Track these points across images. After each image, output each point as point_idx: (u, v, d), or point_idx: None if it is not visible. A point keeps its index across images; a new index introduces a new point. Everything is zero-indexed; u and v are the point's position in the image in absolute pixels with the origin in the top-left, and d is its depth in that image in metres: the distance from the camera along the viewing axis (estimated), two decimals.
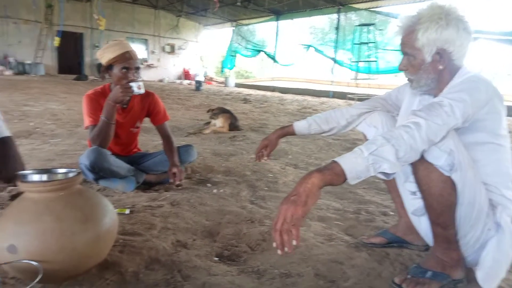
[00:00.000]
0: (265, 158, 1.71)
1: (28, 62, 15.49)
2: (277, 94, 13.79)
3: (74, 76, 14.75)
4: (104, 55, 2.09)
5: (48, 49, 16.05)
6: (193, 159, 2.47)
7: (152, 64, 19.37)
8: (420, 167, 1.10)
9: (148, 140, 3.59)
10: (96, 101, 2.14)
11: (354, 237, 1.66)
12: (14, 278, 1.14)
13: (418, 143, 1.00)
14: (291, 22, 16.30)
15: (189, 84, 17.18)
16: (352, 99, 10.83)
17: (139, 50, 18.15)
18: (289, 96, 12.54)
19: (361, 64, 12.81)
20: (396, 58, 11.35)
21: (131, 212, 1.78)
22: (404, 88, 1.47)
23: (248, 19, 17.64)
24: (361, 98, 9.03)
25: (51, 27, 15.86)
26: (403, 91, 1.49)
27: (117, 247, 1.37)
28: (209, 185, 2.36)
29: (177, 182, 2.19)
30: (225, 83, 18.09)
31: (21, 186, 1.11)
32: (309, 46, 15.01)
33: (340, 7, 13.21)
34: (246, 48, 18.25)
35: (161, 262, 1.33)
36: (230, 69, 19.26)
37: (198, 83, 13.24)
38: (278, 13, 15.60)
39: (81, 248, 1.05)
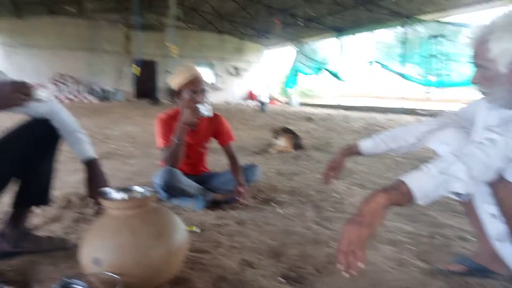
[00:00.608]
0: (332, 180, 1.68)
1: (110, 89, 17.14)
2: (341, 111, 13.55)
3: (149, 100, 15.97)
4: (174, 81, 2.25)
5: (127, 77, 17.65)
6: (258, 178, 2.52)
7: (218, 87, 20.25)
8: (501, 187, 1.02)
9: (215, 160, 3.73)
10: (168, 124, 2.30)
11: (428, 263, 1.55)
12: None
13: (493, 161, 0.93)
14: (354, 37, 16.03)
15: (253, 105, 17.61)
16: (423, 115, 10.26)
17: (206, 73, 19.11)
18: (354, 114, 12.26)
19: (431, 78, 12.12)
20: (470, 70, 10.58)
21: (202, 230, 1.86)
22: (479, 102, 1.37)
23: (309, 37, 17.73)
24: (433, 114, 8.51)
25: (129, 56, 17.44)
26: (477, 105, 1.39)
27: (188, 263, 1.43)
28: (273, 204, 2.37)
29: (243, 201, 2.24)
30: (288, 103, 18.23)
31: (104, 203, 1.23)
32: (374, 61, 14.61)
33: (406, 19, 12.74)
34: (308, 66, 18.29)
35: (228, 280, 1.36)
36: (292, 88, 19.39)
37: (262, 103, 13.52)
38: (339, 30, 15.47)
39: (155, 263, 1.12)
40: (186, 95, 2.22)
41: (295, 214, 2.17)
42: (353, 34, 15.52)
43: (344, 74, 16.13)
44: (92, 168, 1.49)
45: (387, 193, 0.93)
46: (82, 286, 1.08)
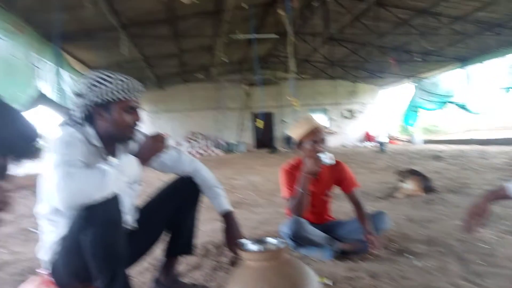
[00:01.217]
0: (477, 229, 1.48)
1: (233, 141, 18.72)
2: (475, 147, 12.00)
3: (267, 150, 16.80)
4: (295, 132, 2.34)
5: (247, 129, 19.08)
6: (387, 226, 2.37)
7: (333, 131, 20.19)
8: None
9: (338, 207, 3.65)
10: (292, 174, 2.38)
11: None
12: None
13: None
14: (482, 65, 14.37)
15: (371, 146, 16.94)
16: None
17: (320, 119, 19.34)
18: (492, 148, 10.72)
19: None
20: None
21: (334, 283, 1.81)
22: None
23: (428, 71, 16.60)
24: None
25: (248, 110, 18.93)
26: None
27: None
28: (408, 256, 2.18)
29: (374, 251, 2.12)
30: (410, 141, 17.01)
31: (241, 254, 1.31)
32: (509, 88, 12.77)
33: None
34: (430, 101, 16.95)
35: None
36: (412, 125, 18.09)
37: (381, 144, 12.92)
38: (464, 60, 14.13)
39: None
40: (307, 145, 2.28)
41: (436, 268, 1.94)
42: (481, 62, 13.97)
43: (474, 106, 14.43)
44: (229, 220, 1.62)
45: None
46: None
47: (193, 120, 19.34)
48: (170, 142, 1.58)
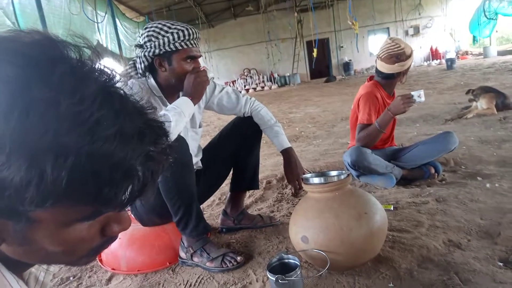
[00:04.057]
0: None
1: (287, 74, 18.27)
2: None
3: (324, 79, 16.25)
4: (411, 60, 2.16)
5: (301, 59, 18.39)
6: (453, 146, 2.22)
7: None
8: None
9: (402, 133, 3.54)
10: (376, 97, 2.21)
11: None
12: (306, 262, 1.40)
13: None
14: None
15: (438, 64, 15.59)
16: None
17: (381, 40, 17.96)
18: None
19: None
20: None
21: (395, 208, 1.82)
22: None
23: None
24: None
25: (301, 39, 18.06)
26: None
27: (387, 242, 1.44)
28: (479, 178, 2.09)
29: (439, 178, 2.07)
30: (483, 54, 15.30)
31: (305, 187, 1.36)
32: None
33: None
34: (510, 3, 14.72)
35: (434, 261, 1.30)
36: (487, 36, 16.01)
37: (450, 60, 11.82)
38: None
39: (358, 243, 1.18)
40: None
41: (509, 189, 1.86)
42: None
43: None
44: (289, 156, 1.67)
45: None
46: (295, 261, 1.24)
47: (246, 55, 19.04)
48: (211, 75, 1.59)
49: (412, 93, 1.98)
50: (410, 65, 2.17)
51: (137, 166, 0.39)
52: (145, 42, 1.44)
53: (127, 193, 0.40)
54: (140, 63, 1.49)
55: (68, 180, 0.35)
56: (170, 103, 1.45)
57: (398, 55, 2.14)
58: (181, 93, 1.56)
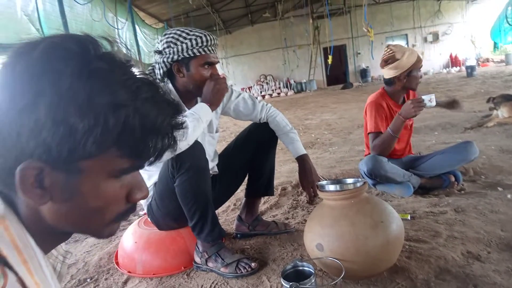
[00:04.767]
0: None
1: (303, 81, 18.23)
2: None
3: (340, 85, 16.15)
4: (402, 64, 2.15)
5: (317, 66, 18.33)
6: (473, 157, 2.18)
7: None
8: None
9: (419, 141, 3.49)
10: (380, 105, 2.23)
11: None
12: (320, 270, 1.39)
13: None
14: None
15: (458, 71, 15.32)
16: None
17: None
18: None
19: None
20: None
21: (413, 218, 1.80)
22: None
23: None
24: None
25: (319, 46, 18.02)
26: None
27: (404, 252, 1.42)
28: (500, 188, 2.05)
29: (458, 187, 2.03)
30: (505, 61, 14.94)
31: (320, 195, 1.36)
32: None
33: None
34: None
35: (452, 273, 1.28)
36: (509, 43, 15.60)
37: (470, 68, 11.60)
38: None
39: (374, 252, 1.16)
40: (414, 73, 2.15)
41: None
42: None
43: None
44: (304, 163, 1.67)
45: None
46: (310, 268, 1.23)
47: (262, 62, 19.11)
48: (230, 82, 1.60)
49: (423, 97, 1.97)
50: (407, 70, 2.14)
51: (165, 127, 0.49)
52: (164, 49, 1.47)
53: (155, 151, 0.50)
54: (159, 69, 1.52)
55: (120, 129, 0.45)
56: (188, 109, 1.48)
57: (387, 59, 2.18)
58: (199, 99, 1.58)
